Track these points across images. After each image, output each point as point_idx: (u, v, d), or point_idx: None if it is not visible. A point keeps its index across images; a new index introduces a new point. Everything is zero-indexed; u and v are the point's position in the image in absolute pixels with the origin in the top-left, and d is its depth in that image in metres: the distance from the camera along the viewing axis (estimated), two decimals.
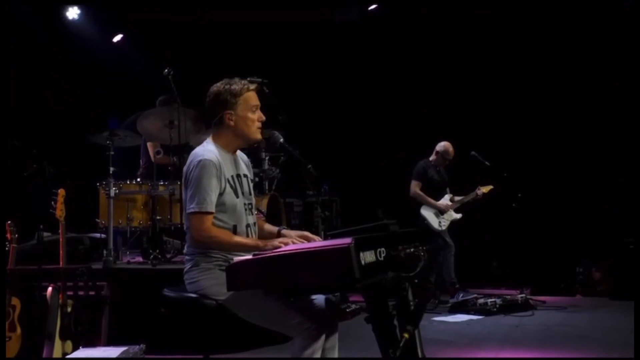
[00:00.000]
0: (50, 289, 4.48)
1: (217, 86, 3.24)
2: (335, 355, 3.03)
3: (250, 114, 3.22)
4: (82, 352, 4.07)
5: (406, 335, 2.59)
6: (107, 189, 5.67)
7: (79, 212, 5.36)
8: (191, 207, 3.05)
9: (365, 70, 9.23)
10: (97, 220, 5.84)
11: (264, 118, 3.28)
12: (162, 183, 5.85)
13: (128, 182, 5.89)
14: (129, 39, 8.80)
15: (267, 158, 6.76)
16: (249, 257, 2.73)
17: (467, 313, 6.66)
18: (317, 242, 2.98)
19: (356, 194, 8.83)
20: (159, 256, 5.57)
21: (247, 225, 3.24)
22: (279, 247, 2.88)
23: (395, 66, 9.20)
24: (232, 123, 3.21)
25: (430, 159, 7.57)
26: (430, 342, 4.83)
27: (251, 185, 3.37)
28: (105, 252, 5.53)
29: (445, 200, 7.47)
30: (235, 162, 3.31)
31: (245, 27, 8.78)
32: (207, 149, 3.16)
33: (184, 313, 3.19)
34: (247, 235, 3.21)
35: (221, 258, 3.07)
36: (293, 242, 2.97)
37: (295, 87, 8.55)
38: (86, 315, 4.61)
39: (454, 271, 7.21)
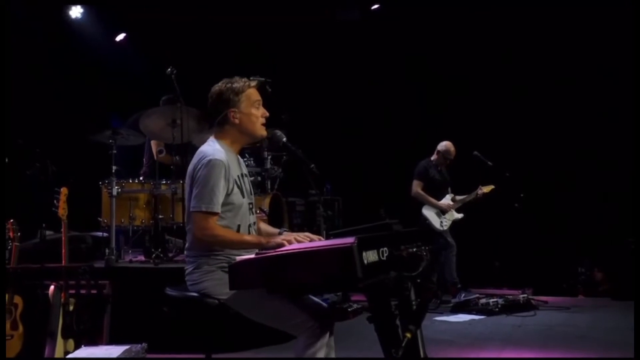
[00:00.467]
0: (52, 287, 4.49)
1: (219, 86, 3.25)
2: (333, 355, 3.03)
3: (254, 110, 3.23)
4: (84, 351, 4.07)
5: (408, 335, 2.59)
6: (109, 187, 5.67)
7: (82, 211, 5.36)
8: (197, 206, 3.04)
9: (367, 69, 9.23)
10: (99, 219, 5.84)
11: (267, 114, 3.29)
12: (164, 182, 5.85)
13: (130, 181, 5.89)
14: (132, 38, 8.81)
15: (269, 157, 6.77)
16: (252, 256, 2.73)
17: (469, 313, 6.66)
18: (320, 242, 2.97)
19: (358, 193, 8.84)
20: (161, 255, 5.57)
21: (250, 226, 3.24)
22: (283, 244, 2.88)
23: (397, 66, 9.20)
24: (236, 121, 3.21)
25: (432, 158, 7.57)
26: (432, 342, 4.83)
27: (250, 184, 3.37)
28: (107, 250, 5.54)
29: (447, 200, 7.47)
30: (239, 162, 3.31)
31: (247, 27, 8.79)
32: (216, 149, 3.16)
33: (186, 312, 3.19)
34: (249, 234, 3.21)
35: (224, 260, 3.06)
36: (297, 239, 2.97)
37: (298, 87, 8.55)
38: (88, 314, 4.61)
39: (456, 271, 7.20)
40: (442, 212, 7.40)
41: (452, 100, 8.99)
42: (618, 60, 7.92)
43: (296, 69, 8.91)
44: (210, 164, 3.06)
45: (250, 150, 6.64)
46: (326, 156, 6.48)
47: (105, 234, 5.85)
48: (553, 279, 8.12)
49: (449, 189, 7.59)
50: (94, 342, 4.58)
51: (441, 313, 6.70)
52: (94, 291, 4.76)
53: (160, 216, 5.77)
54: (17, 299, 4.60)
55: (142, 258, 5.94)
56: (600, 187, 8.24)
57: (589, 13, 7.89)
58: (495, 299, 6.76)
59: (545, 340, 5.53)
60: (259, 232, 3.37)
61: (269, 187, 6.81)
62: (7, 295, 4.54)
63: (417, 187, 7.40)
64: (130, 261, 5.83)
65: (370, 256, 2.52)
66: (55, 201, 4.64)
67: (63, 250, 4.61)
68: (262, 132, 3.29)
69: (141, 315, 4.95)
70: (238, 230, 3.14)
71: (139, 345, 3.93)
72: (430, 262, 2.67)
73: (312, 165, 3.28)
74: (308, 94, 8.97)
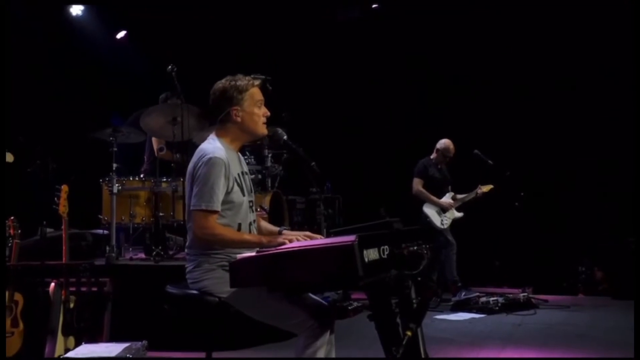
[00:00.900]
0: (53, 284, 4.49)
1: (222, 83, 3.24)
2: (333, 354, 3.03)
3: (257, 109, 3.23)
4: (84, 348, 4.06)
5: (409, 333, 2.59)
6: (110, 185, 5.67)
7: (82, 209, 5.36)
8: (197, 205, 3.04)
9: (367, 68, 9.23)
10: (100, 216, 5.85)
11: (269, 113, 3.28)
12: (164, 180, 5.85)
13: (131, 179, 5.89)
14: (132, 36, 8.80)
15: (270, 155, 6.77)
16: (253, 254, 2.73)
17: (469, 311, 6.66)
18: (321, 240, 2.98)
19: (359, 191, 8.84)
20: (162, 253, 5.57)
21: (250, 224, 3.24)
22: (283, 244, 2.88)
23: (398, 65, 9.19)
24: (238, 119, 3.21)
25: (431, 157, 7.57)
26: (433, 341, 4.84)
27: (251, 182, 3.37)
28: (107, 248, 5.55)
29: (447, 199, 7.47)
30: (240, 160, 3.32)
31: (247, 26, 8.78)
32: (216, 147, 3.15)
33: (186, 310, 3.19)
34: (250, 233, 3.21)
35: (224, 258, 3.05)
36: (297, 239, 2.97)
37: (298, 85, 8.55)
38: (89, 312, 4.61)
39: (456, 269, 7.20)
40: (442, 210, 7.40)
41: (452, 99, 8.98)
42: (618, 59, 7.91)
43: (296, 67, 8.91)
44: (211, 162, 3.06)
45: (250, 148, 6.64)
46: (327, 154, 6.48)
47: (105, 232, 5.85)
48: (553, 278, 8.12)
49: (449, 188, 7.59)
50: (94, 339, 4.58)
51: (441, 311, 6.71)
52: (94, 289, 4.77)
53: (160, 214, 5.77)
54: (18, 297, 4.61)
55: (142, 256, 5.95)
56: (601, 186, 8.23)
57: (589, 13, 7.88)
58: (495, 298, 6.76)
59: (545, 339, 5.53)
60: (260, 230, 3.37)
61: (270, 185, 6.82)
62: (7, 293, 4.54)
63: (417, 185, 7.40)
64: (131, 259, 5.84)
65: (371, 254, 2.53)
66: (55, 199, 4.64)
67: (64, 248, 4.61)
68: (264, 131, 3.29)
69: (142, 313, 4.95)
70: (238, 229, 3.14)
71: (140, 342, 3.93)
72: (430, 260, 2.67)
73: (313, 164, 3.29)
74: (308, 92, 8.97)
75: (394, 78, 9.20)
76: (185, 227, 3.33)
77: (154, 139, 6.49)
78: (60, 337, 4.38)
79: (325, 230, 3.46)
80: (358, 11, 9.43)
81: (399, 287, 2.71)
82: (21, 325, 4.58)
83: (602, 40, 8.01)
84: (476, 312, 6.62)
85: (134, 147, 6.57)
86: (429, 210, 7.35)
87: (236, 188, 3.15)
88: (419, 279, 2.75)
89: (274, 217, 6.24)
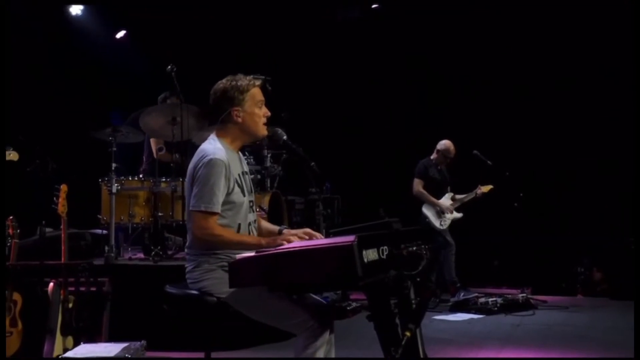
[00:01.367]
0: (51, 284, 4.48)
1: (223, 83, 3.23)
2: (333, 354, 3.03)
3: (257, 110, 3.23)
4: (83, 348, 4.06)
5: (408, 334, 2.59)
6: (109, 185, 5.67)
7: (81, 208, 5.35)
8: (197, 206, 3.04)
9: (367, 68, 9.23)
10: (99, 216, 5.84)
11: (269, 114, 3.28)
12: (164, 180, 5.85)
13: (130, 179, 5.88)
14: (132, 36, 8.80)
15: (269, 155, 6.77)
16: (252, 254, 2.73)
17: (468, 312, 6.67)
18: (320, 240, 2.97)
19: (358, 192, 8.84)
20: (161, 253, 5.57)
21: (250, 224, 3.24)
22: (283, 245, 2.88)
23: (398, 65, 9.20)
24: (239, 119, 3.20)
25: (432, 157, 7.57)
26: (432, 341, 4.83)
27: (251, 182, 3.37)
28: (106, 248, 5.54)
29: (447, 200, 7.47)
30: (240, 160, 3.31)
31: (247, 26, 8.78)
32: (217, 147, 3.15)
33: (186, 310, 3.19)
34: (249, 233, 3.21)
35: (224, 259, 3.05)
36: (298, 238, 2.96)
37: (298, 85, 8.55)
38: (87, 311, 4.61)
39: (455, 270, 7.21)
40: (442, 211, 7.40)
41: (452, 99, 8.99)
42: (618, 59, 7.92)
43: (296, 67, 8.91)
44: (211, 163, 3.06)
45: (250, 148, 6.64)
46: (326, 154, 6.48)
47: (104, 232, 5.84)
48: (552, 279, 8.12)
49: (449, 188, 7.59)
50: (93, 339, 4.57)
51: (440, 312, 6.71)
52: (93, 288, 4.76)
53: (159, 214, 5.77)
54: (17, 296, 4.60)
55: (141, 255, 5.94)
56: (600, 186, 8.24)
57: (589, 13, 7.89)
58: (494, 298, 6.77)
59: (544, 340, 5.54)
60: (260, 230, 3.37)
61: (269, 185, 6.81)
62: (6, 293, 4.53)
63: (418, 186, 7.40)
64: (130, 259, 5.83)
65: (370, 255, 2.53)
66: (55, 198, 4.63)
67: (62, 248, 4.61)
68: (264, 132, 3.29)
69: (141, 313, 4.95)
70: (238, 229, 3.14)
71: (139, 342, 3.92)
72: (429, 261, 2.67)
73: (312, 164, 3.28)
74: (308, 92, 8.97)
75: (393, 78, 9.20)
76: (185, 227, 3.32)
77: (152, 140, 6.49)
78: (58, 337, 4.37)
79: (324, 230, 3.45)
80: (358, 11, 9.43)
81: (398, 288, 2.71)
82: (20, 325, 4.57)
83: (602, 40, 8.02)
84: (475, 313, 6.62)
85: (133, 147, 6.57)
86: (428, 211, 7.35)
87: (237, 189, 3.15)
88: (418, 279, 2.75)
89: (273, 217, 6.24)
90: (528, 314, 6.58)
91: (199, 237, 3.07)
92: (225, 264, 2.99)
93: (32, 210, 5.80)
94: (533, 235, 8.26)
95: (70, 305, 4.50)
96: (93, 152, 6.52)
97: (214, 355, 3.23)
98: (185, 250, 3.27)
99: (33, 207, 5.98)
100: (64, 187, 4.67)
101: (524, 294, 6.98)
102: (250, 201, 3.27)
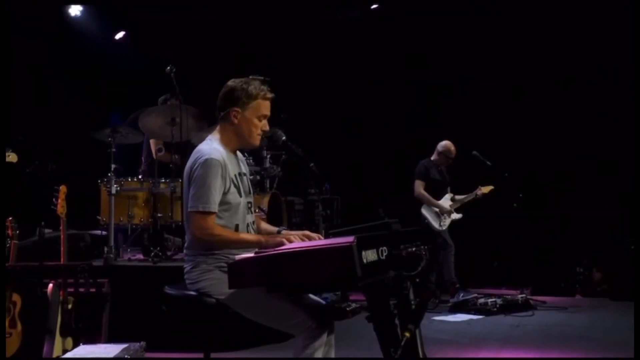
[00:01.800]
0: (51, 285, 4.48)
1: (235, 82, 3.22)
2: (333, 354, 3.03)
3: (256, 120, 3.21)
4: (82, 349, 4.05)
5: (407, 335, 2.59)
6: (108, 186, 5.66)
7: (80, 209, 5.35)
8: (194, 206, 3.04)
9: (367, 68, 9.23)
10: (98, 217, 5.84)
11: (267, 128, 3.26)
12: (163, 180, 5.85)
13: (129, 179, 5.88)
14: (131, 37, 8.80)
15: (268, 156, 6.77)
16: (251, 255, 2.73)
17: (468, 313, 6.66)
18: (319, 241, 2.97)
19: (357, 192, 8.84)
20: (160, 253, 5.57)
21: (248, 225, 3.24)
22: (282, 243, 2.88)
23: (397, 65, 9.20)
24: (235, 120, 3.20)
25: (432, 158, 7.56)
26: (431, 342, 4.83)
27: (250, 183, 3.36)
28: (106, 249, 5.54)
29: (447, 201, 7.46)
30: (237, 161, 3.31)
31: (247, 26, 8.78)
32: (213, 147, 3.15)
33: (185, 311, 3.19)
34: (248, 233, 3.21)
35: (222, 259, 3.05)
36: (299, 238, 2.96)
37: (298, 86, 8.55)
38: (87, 312, 4.60)
39: (455, 271, 7.20)
40: (441, 212, 7.39)
41: (452, 100, 8.99)
42: (618, 59, 7.93)
43: (296, 67, 8.91)
44: (207, 163, 3.06)
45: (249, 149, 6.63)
46: (325, 155, 6.48)
47: (104, 232, 5.84)
48: (551, 279, 8.12)
49: (449, 189, 7.59)
50: (92, 340, 4.57)
51: (440, 313, 6.71)
52: (92, 289, 4.75)
53: (159, 215, 5.76)
54: (16, 297, 4.59)
55: (140, 256, 5.94)
56: (599, 187, 8.24)
57: (589, 13, 7.89)
58: (493, 299, 6.77)
59: (543, 340, 5.54)
60: (259, 231, 3.36)
61: (268, 186, 6.81)
62: (5, 293, 4.53)
63: (419, 187, 7.39)
64: (129, 260, 5.83)
65: (369, 255, 2.53)
66: (54, 199, 4.63)
67: (62, 249, 4.60)
68: (256, 142, 3.27)
69: (140, 314, 4.95)
70: (236, 230, 3.14)
71: (138, 343, 3.92)
72: (429, 261, 2.67)
73: (312, 164, 3.28)
74: (308, 93, 8.96)
75: (393, 78, 9.20)
76: (184, 228, 3.32)
77: (152, 140, 6.49)
78: (58, 338, 4.37)
79: (323, 231, 3.44)
80: (358, 11, 9.43)
81: (398, 288, 2.71)
82: (19, 326, 4.56)
83: (602, 40, 8.02)
84: (474, 313, 6.62)
85: (132, 148, 6.57)
86: (428, 212, 7.35)
87: (233, 189, 3.14)
88: (418, 280, 2.75)
89: (273, 218, 6.24)
90: (527, 314, 6.58)
91: (198, 237, 3.07)
92: (223, 264, 3.00)
93: (32, 211, 5.78)
94: (532, 236, 8.27)
95: (70, 306, 4.50)
96: (92, 153, 6.52)
97: (213, 355, 3.22)
98: (184, 251, 3.26)
99: (32, 208, 5.97)
100: (63, 188, 4.67)
101: (524, 295, 6.98)
102: (248, 202, 3.26)
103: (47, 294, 4.46)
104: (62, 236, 4.62)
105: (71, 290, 4.55)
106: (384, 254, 2.63)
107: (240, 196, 3.18)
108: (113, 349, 3.76)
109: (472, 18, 8.56)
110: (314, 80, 9.09)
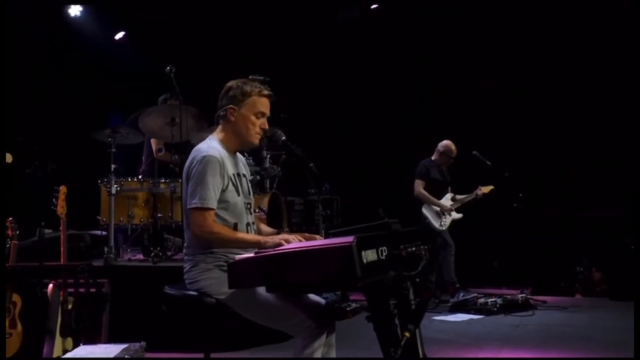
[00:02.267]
0: (51, 286, 4.48)
1: (234, 81, 3.26)
2: (333, 354, 3.03)
3: (253, 117, 3.22)
4: (82, 350, 4.05)
5: (407, 334, 2.59)
6: (108, 186, 5.67)
7: (80, 209, 5.35)
8: (193, 203, 3.04)
9: (367, 68, 9.23)
10: (98, 217, 5.83)
11: (266, 127, 3.27)
12: (163, 180, 5.85)
13: (129, 180, 5.88)
14: (131, 37, 8.80)
15: (268, 156, 6.76)
16: (251, 255, 2.73)
17: (468, 312, 6.67)
18: (319, 241, 2.97)
19: (357, 192, 8.84)
20: (160, 254, 5.57)
21: (247, 224, 3.24)
22: (281, 244, 2.88)
23: (397, 65, 9.20)
24: (232, 118, 3.21)
25: (433, 158, 7.56)
26: (431, 342, 4.84)
27: (249, 185, 3.36)
28: (106, 249, 5.54)
29: (447, 200, 7.47)
30: (235, 162, 3.31)
31: (247, 26, 8.78)
32: (211, 146, 3.16)
33: (185, 311, 3.19)
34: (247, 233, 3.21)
35: (222, 258, 3.06)
36: (297, 239, 2.97)
37: (297, 86, 8.55)
38: (87, 313, 4.61)
39: (454, 271, 7.20)
40: (442, 212, 7.39)
41: (451, 100, 8.99)
42: (618, 59, 7.92)
43: (296, 67, 8.91)
44: (204, 161, 3.06)
45: (249, 149, 6.63)
46: (325, 155, 6.48)
47: (104, 233, 5.84)
48: (551, 279, 8.13)
49: (449, 189, 7.59)
50: (92, 340, 4.57)
51: (440, 312, 6.71)
52: (92, 290, 4.76)
53: (159, 215, 5.77)
54: (16, 297, 4.60)
55: (140, 257, 5.94)
56: (600, 187, 8.24)
57: (588, 13, 7.89)
58: (493, 299, 6.77)
59: (543, 340, 5.54)
60: (259, 232, 3.37)
61: (268, 186, 6.81)
62: (5, 294, 4.53)
63: (419, 187, 7.39)
64: (129, 260, 5.83)
65: (369, 255, 2.52)
66: (54, 199, 4.63)
67: (62, 249, 4.61)
68: (254, 140, 3.27)
69: (140, 314, 4.95)
70: (234, 229, 3.14)
71: (138, 343, 3.92)
72: (429, 261, 2.67)
73: (311, 165, 3.28)
74: (308, 93, 8.97)
75: (393, 78, 9.20)
76: (183, 228, 3.32)
77: (152, 140, 6.49)
78: (58, 338, 4.37)
79: (323, 231, 3.44)
80: (358, 11, 9.43)
81: (398, 288, 2.71)
82: (19, 327, 4.56)
83: (602, 40, 8.02)
84: (474, 313, 6.62)
85: (132, 148, 6.57)
86: (428, 212, 7.35)
87: (231, 187, 3.15)
88: (418, 280, 2.75)
89: (273, 218, 6.24)
90: (527, 314, 6.58)
91: (197, 235, 3.07)
92: (223, 263, 3.00)
93: (32, 212, 5.78)
94: (532, 236, 8.27)
95: (70, 306, 4.50)
96: (92, 153, 6.52)
97: (212, 355, 3.23)
98: (184, 250, 3.27)
99: (32, 208, 5.97)
100: (63, 188, 4.67)
101: (524, 295, 6.98)
102: (247, 203, 3.26)
103: (47, 294, 4.47)
104: (62, 236, 4.63)
105: (71, 290, 4.55)
106: (384, 254, 2.63)
107: (238, 195, 3.18)
108: (113, 349, 3.76)
109: (472, 18, 8.56)
110: (314, 80, 9.09)
